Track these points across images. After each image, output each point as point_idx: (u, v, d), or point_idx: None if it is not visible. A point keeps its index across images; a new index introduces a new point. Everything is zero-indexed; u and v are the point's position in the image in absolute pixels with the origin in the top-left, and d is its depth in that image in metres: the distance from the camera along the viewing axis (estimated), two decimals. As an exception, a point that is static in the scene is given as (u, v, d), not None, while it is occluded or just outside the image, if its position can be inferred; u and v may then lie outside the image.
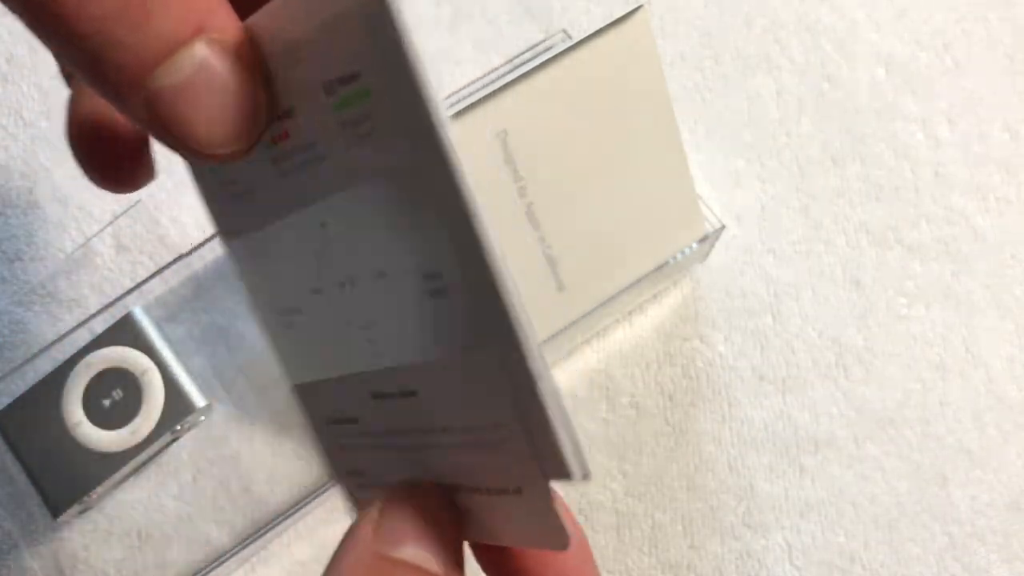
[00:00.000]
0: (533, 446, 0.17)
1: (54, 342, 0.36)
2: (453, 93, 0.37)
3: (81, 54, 0.16)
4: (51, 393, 0.34)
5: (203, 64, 0.16)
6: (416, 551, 0.18)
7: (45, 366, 0.35)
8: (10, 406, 0.35)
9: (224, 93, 0.16)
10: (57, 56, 0.18)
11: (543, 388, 0.16)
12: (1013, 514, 0.39)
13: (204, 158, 0.17)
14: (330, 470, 0.21)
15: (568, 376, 0.39)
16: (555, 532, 0.18)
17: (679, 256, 0.37)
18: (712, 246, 0.39)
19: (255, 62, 0.17)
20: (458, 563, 0.18)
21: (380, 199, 0.17)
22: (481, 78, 0.38)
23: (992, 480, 0.39)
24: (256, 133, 0.17)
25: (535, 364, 0.16)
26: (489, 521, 0.19)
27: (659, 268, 0.37)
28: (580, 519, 0.38)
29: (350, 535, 0.18)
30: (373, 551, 0.17)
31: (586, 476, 0.17)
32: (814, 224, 0.41)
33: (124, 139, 0.21)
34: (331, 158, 0.17)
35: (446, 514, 0.19)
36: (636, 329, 0.40)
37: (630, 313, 0.40)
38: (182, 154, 0.17)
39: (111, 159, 0.21)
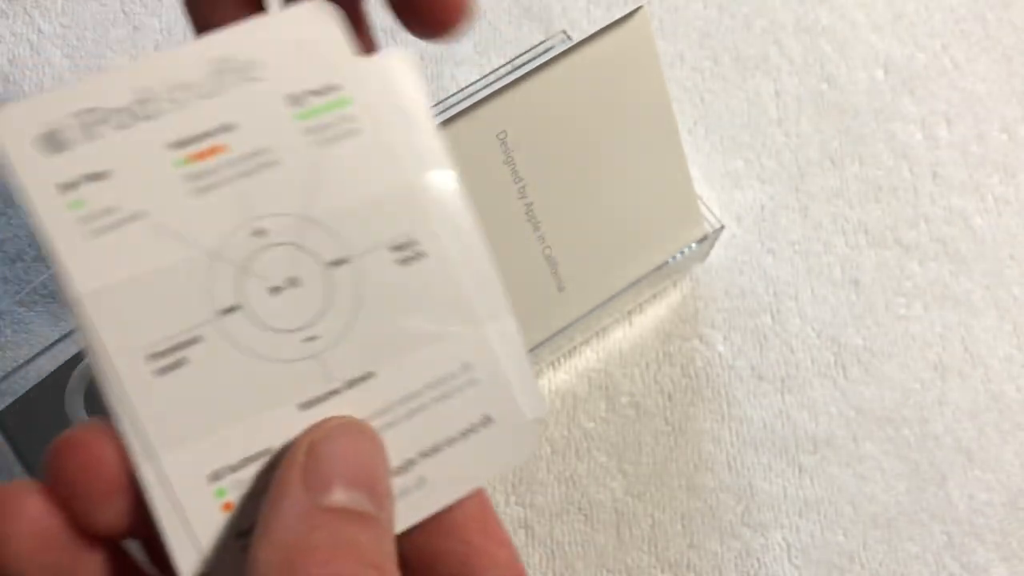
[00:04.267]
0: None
1: (56, 342, 0.36)
2: (453, 94, 0.37)
3: None
4: (53, 393, 0.35)
5: None
6: (349, 493, 0.17)
7: (47, 366, 0.35)
8: (12, 405, 0.35)
9: None
10: None
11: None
12: (1011, 513, 0.39)
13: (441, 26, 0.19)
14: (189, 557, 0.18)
15: (568, 376, 0.39)
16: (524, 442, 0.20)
17: (679, 256, 0.37)
18: (711, 246, 0.40)
19: None
20: (390, 494, 0.18)
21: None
22: (481, 79, 0.38)
23: (990, 479, 0.39)
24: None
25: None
26: (447, 475, 0.19)
27: (659, 268, 0.37)
28: (580, 518, 0.38)
29: (277, 485, 0.17)
30: (302, 503, 0.17)
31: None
32: (813, 224, 0.41)
33: None
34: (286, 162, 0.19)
35: (372, 445, 0.18)
36: (636, 329, 0.40)
37: (630, 313, 0.40)
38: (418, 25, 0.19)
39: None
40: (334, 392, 0.19)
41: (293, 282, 0.19)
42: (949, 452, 0.39)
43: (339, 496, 0.17)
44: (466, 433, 0.19)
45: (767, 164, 0.42)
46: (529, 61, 0.39)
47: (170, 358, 0.18)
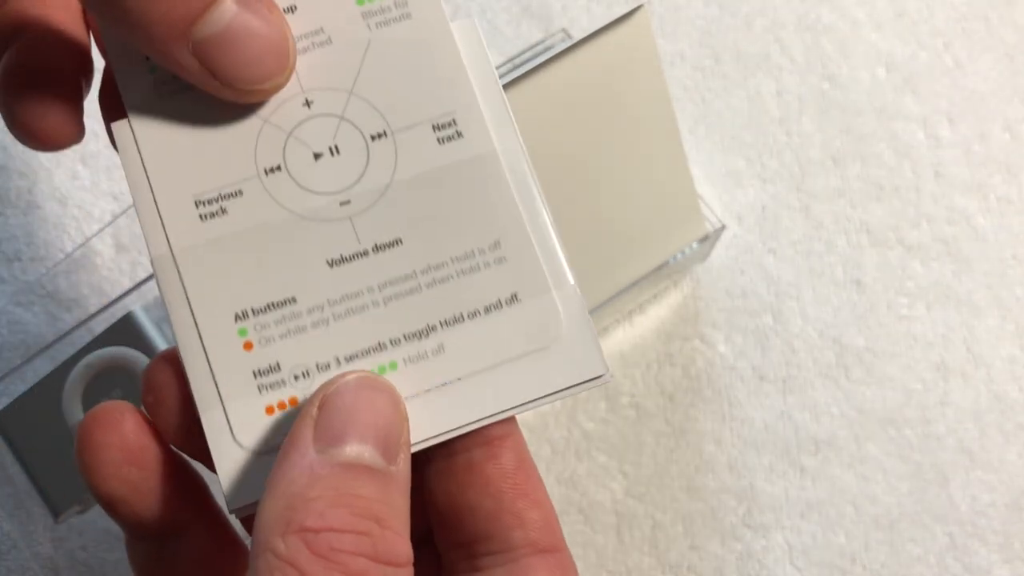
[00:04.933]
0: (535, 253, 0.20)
1: (54, 342, 0.36)
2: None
3: (127, 14, 0.18)
4: (51, 393, 0.34)
5: (236, 13, 0.19)
6: (358, 448, 0.17)
7: (45, 366, 0.35)
8: (10, 406, 0.35)
9: (259, 35, 0.19)
10: (100, 17, 0.19)
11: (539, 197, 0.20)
12: (1014, 514, 0.39)
13: (250, 95, 0.20)
14: (207, 391, 0.19)
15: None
16: (583, 351, 0.20)
17: (679, 256, 0.37)
18: (712, 246, 0.39)
19: (274, 4, 0.20)
20: (402, 452, 0.18)
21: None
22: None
23: (993, 480, 0.39)
24: (291, 65, 0.20)
25: (528, 167, 0.20)
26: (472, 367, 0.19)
27: (659, 268, 0.37)
28: (580, 519, 0.38)
29: (290, 439, 0.18)
30: (309, 456, 0.17)
31: (574, 286, 0.20)
32: (815, 224, 0.41)
33: (58, 89, 0.21)
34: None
35: (387, 399, 0.18)
36: (636, 329, 0.40)
37: (630, 313, 0.40)
38: (228, 95, 0.19)
39: (43, 109, 0.21)
40: (362, 254, 0.20)
41: (334, 150, 0.20)
42: (951, 453, 0.39)
43: (349, 450, 0.17)
44: (491, 309, 0.20)
45: (768, 163, 0.42)
46: (529, 60, 0.38)
47: (214, 206, 0.20)
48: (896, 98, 0.43)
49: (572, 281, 0.20)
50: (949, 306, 0.41)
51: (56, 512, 0.34)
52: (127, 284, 0.38)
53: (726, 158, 0.42)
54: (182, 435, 0.20)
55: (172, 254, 0.20)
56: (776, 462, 0.39)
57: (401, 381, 0.19)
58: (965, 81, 0.43)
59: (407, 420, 0.19)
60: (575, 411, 0.39)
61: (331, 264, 0.20)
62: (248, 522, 0.20)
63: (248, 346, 0.19)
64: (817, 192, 0.42)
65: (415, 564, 0.18)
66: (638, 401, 0.39)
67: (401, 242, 0.20)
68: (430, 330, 0.20)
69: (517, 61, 0.40)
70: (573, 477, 0.38)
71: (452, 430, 0.19)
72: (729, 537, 0.38)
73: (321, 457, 0.17)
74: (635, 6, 0.32)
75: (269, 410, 0.19)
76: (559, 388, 0.20)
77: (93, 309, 0.37)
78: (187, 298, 0.19)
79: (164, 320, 0.37)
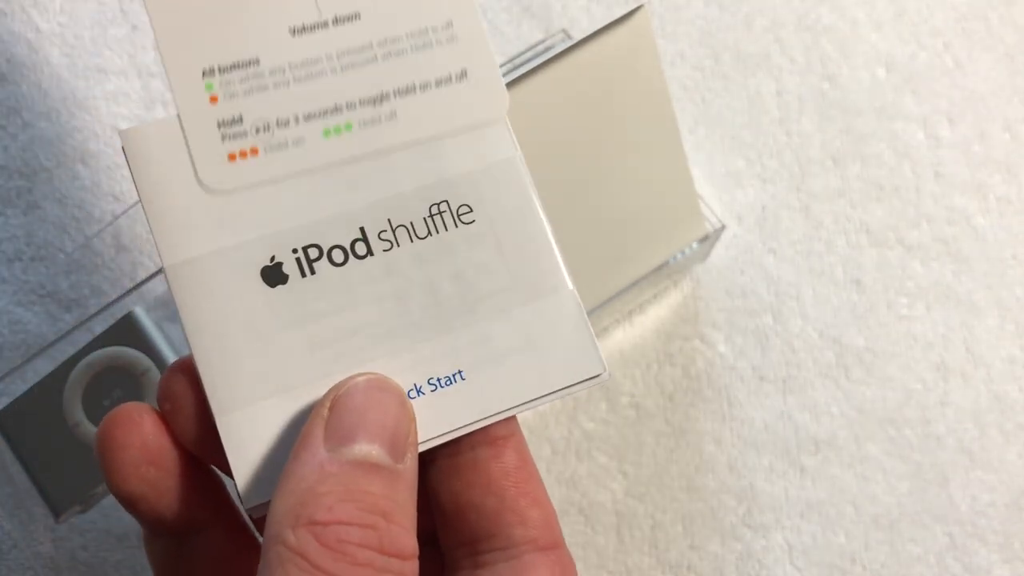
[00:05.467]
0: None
1: (54, 342, 0.36)
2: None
3: None
4: (51, 393, 0.34)
5: None
6: (367, 447, 0.18)
7: (45, 366, 0.35)
8: (10, 406, 0.35)
9: None
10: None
11: None
12: (1014, 514, 0.39)
13: None
14: (223, 395, 0.20)
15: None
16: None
17: (679, 256, 0.37)
18: (712, 246, 0.39)
19: None
20: (409, 452, 0.19)
21: None
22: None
23: (993, 480, 0.39)
24: None
25: None
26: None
27: (659, 268, 0.37)
28: (580, 519, 0.38)
29: (302, 438, 0.18)
30: (320, 455, 0.18)
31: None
32: (814, 224, 0.41)
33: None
34: None
35: (395, 400, 0.19)
36: (636, 329, 0.40)
37: (630, 313, 0.40)
38: None
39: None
40: (322, 25, 0.21)
41: None
42: (951, 453, 0.39)
43: (358, 449, 0.18)
44: (441, 83, 0.21)
45: (768, 163, 0.42)
46: (529, 60, 0.38)
47: None
48: (896, 98, 0.43)
49: (571, 286, 0.21)
50: (949, 306, 0.41)
51: (57, 512, 0.34)
52: (127, 284, 0.38)
53: (726, 158, 0.42)
54: (199, 441, 0.20)
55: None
56: (776, 462, 0.39)
57: (354, 143, 0.21)
58: (965, 81, 0.43)
59: (414, 420, 0.19)
60: (575, 411, 0.39)
61: (293, 32, 0.21)
62: (261, 523, 0.21)
63: (214, 99, 0.21)
64: (817, 192, 0.42)
65: (419, 562, 0.18)
66: (638, 401, 0.39)
67: (359, 16, 0.21)
68: (383, 97, 0.21)
69: (517, 61, 0.40)
70: (573, 477, 0.38)
71: (456, 429, 0.20)
72: (729, 537, 0.38)
73: (331, 455, 0.18)
74: (635, 6, 0.32)
75: (231, 157, 0.21)
76: (559, 387, 0.20)
77: (93, 309, 0.37)
78: (159, 48, 0.21)
79: (164, 320, 0.37)
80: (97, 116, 0.41)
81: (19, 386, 0.35)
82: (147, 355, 0.35)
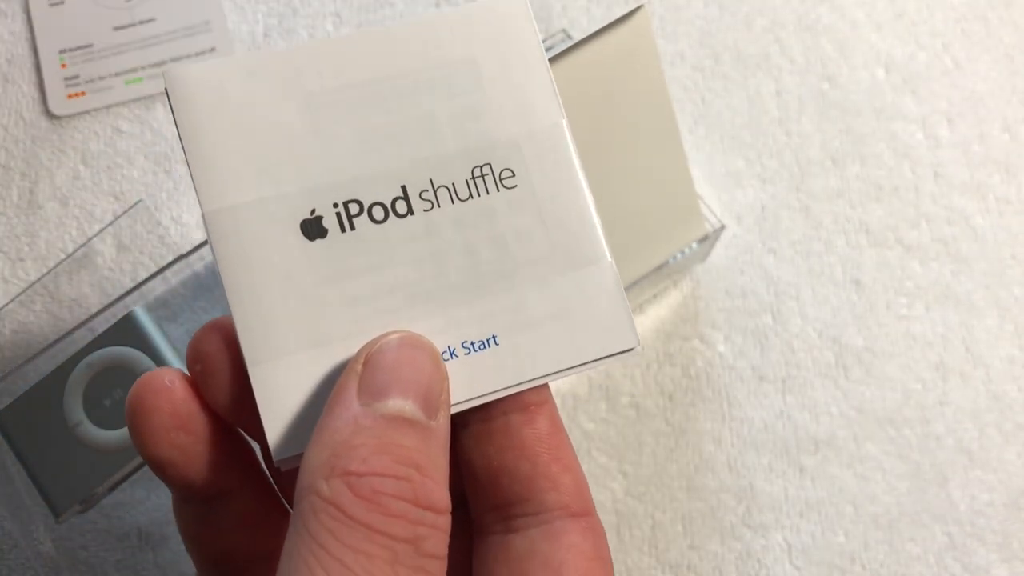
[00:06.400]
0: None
1: (55, 342, 0.36)
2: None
3: None
4: (52, 393, 0.34)
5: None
6: (401, 402, 0.18)
7: (46, 366, 0.35)
8: (11, 406, 0.35)
9: None
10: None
11: None
12: (1013, 514, 0.39)
13: None
14: (256, 341, 0.20)
15: (568, 377, 0.39)
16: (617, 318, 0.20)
17: (679, 256, 0.37)
18: (712, 246, 0.39)
19: None
20: (442, 409, 0.19)
21: None
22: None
23: (992, 480, 0.39)
24: None
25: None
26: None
27: (659, 268, 0.37)
28: (580, 519, 0.38)
29: (335, 393, 0.18)
30: (354, 409, 0.18)
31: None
32: (814, 224, 0.41)
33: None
34: None
35: (429, 358, 0.19)
36: (636, 329, 0.40)
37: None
38: None
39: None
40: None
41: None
42: (950, 453, 0.39)
43: (392, 404, 0.18)
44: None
45: (768, 164, 0.42)
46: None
47: None
48: (895, 98, 0.43)
49: (609, 258, 0.21)
50: (948, 306, 0.41)
51: (57, 512, 0.34)
52: (128, 284, 0.38)
53: (726, 158, 0.42)
54: (229, 406, 0.20)
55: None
56: (775, 462, 0.39)
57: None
58: (964, 81, 0.43)
59: (447, 379, 0.19)
60: (575, 411, 0.39)
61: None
62: (289, 490, 0.21)
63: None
64: (816, 192, 0.42)
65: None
66: (638, 401, 0.39)
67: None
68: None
69: (517, 61, 0.40)
70: (573, 477, 0.38)
71: (489, 394, 0.20)
72: (728, 536, 0.38)
73: (365, 409, 0.18)
74: (635, 6, 0.32)
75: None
76: (593, 358, 0.20)
77: (94, 309, 0.37)
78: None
79: (164, 320, 0.37)
80: (97, 116, 0.41)
81: (19, 386, 0.35)
82: (147, 355, 0.35)
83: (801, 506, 0.38)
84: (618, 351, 0.21)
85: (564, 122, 0.21)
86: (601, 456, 0.38)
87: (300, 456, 0.18)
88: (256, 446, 0.21)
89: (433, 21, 0.21)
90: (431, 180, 0.20)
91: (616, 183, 0.35)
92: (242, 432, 0.21)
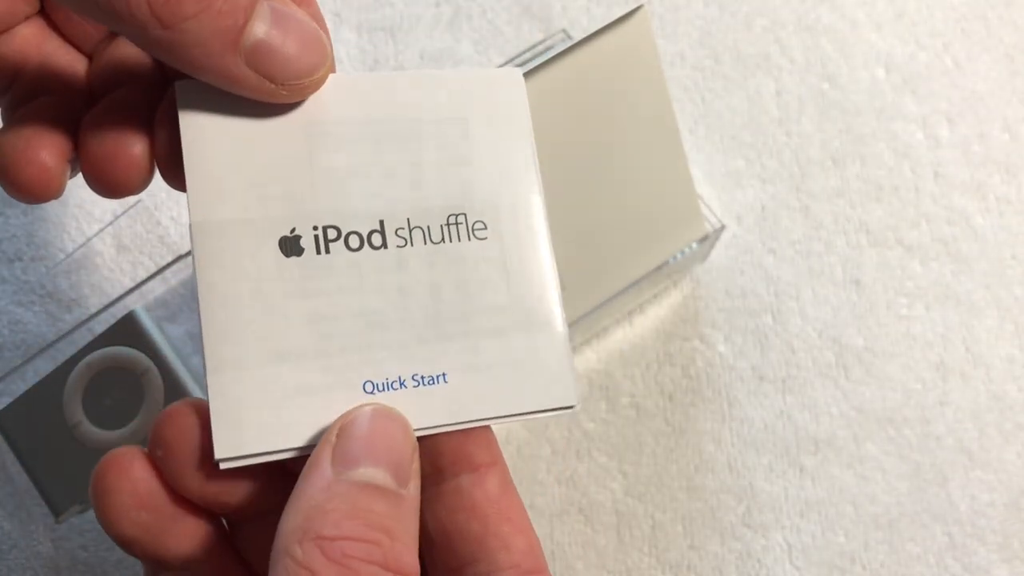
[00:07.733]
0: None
1: (54, 342, 0.36)
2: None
3: (183, 35, 0.19)
4: (51, 393, 0.34)
5: (272, 11, 0.19)
6: (371, 470, 0.19)
7: (45, 366, 0.35)
8: (10, 406, 0.35)
9: (299, 29, 0.20)
10: (152, 50, 0.20)
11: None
12: (1013, 514, 0.39)
13: (301, 90, 0.20)
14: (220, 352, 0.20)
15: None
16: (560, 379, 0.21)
17: (679, 256, 0.37)
18: (712, 246, 0.39)
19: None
20: (412, 479, 0.20)
21: None
22: (481, 78, 0.38)
23: (992, 480, 0.39)
24: (331, 53, 0.21)
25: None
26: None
27: (659, 268, 0.37)
28: (580, 519, 0.38)
29: (311, 462, 0.19)
30: (327, 477, 0.19)
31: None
32: (814, 224, 0.41)
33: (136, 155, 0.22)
34: None
35: (400, 428, 0.20)
36: (636, 329, 0.40)
37: (630, 313, 0.40)
38: (282, 96, 0.20)
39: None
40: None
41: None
42: (951, 452, 0.39)
43: (363, 472, 0.19)
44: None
45: (768, 164, 0.42)
46: (529, 60, 0.38)
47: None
48: (895, 98, 0.43)
49: (562, 328, 0.22)
50: (948, 306, 0.41)
51: (57, 512, 0.34)
52: (127, 284, 0.38)
53: (726, 158, 0.42)
54: (191, 488, 0.20)
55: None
56: (775, 462, 0.39)
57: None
58: (964, 81, 0.43)
59: (417, 449, 0.20)
60: (575, 411, 0.39)
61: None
62: (258, 551, 0.22)
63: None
64: (816, 192, 0.42)
65: None
66: (638, 401, 0.39)
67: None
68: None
69: (517, 61, 0.40)
70: (573, 477, 0.38)
71: (429, 428, 0.21)
72: (729, 536, 0.38)
73: (338, 477, 0.19)
74: (635, 6, 0.32)
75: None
76: (533, 409, 0.21)
77: (93, 309, 0.37)
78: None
79: (164, 320, 0.37)
80: (97, 116, 0.41)
81: (19, 386, 0.35)
82: (147, 355, 0.35)
83: (801, 506, 0.38)
84: (558, 407, 0.22)
85: (539, 199, 0.22)
86: (601, 456, 0.38)
87: (242, 458, 0.19)
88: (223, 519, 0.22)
89: (437, 78, 0.22)
90: (408, 220, 0.21)
91: (616, 183, 0.35)
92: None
